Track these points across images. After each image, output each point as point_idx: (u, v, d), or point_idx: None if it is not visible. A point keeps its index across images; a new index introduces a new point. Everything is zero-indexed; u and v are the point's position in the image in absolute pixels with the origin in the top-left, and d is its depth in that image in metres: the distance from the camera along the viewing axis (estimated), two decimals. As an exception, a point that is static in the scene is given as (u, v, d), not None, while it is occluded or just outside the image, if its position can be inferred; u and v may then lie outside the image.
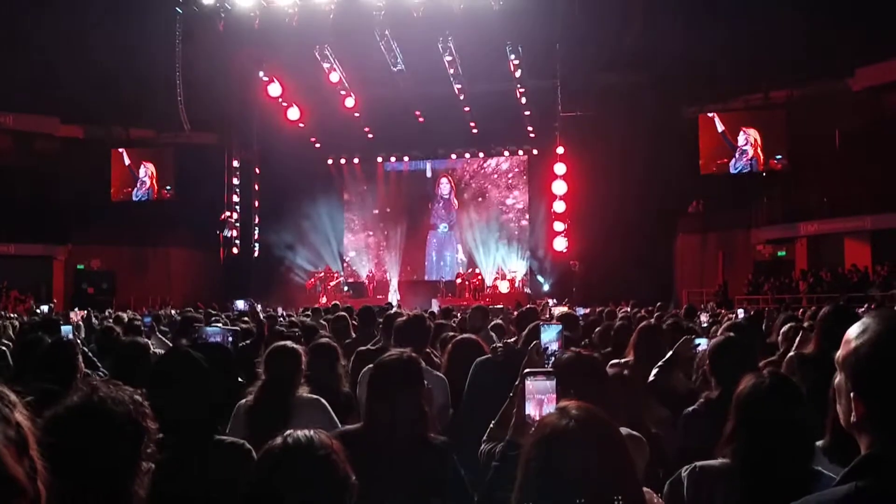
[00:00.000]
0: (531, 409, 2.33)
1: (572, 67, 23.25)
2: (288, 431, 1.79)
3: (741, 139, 25.38)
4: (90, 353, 5.84)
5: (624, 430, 1.97)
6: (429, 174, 30.00)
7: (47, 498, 1.07)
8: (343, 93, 25.13)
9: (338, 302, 13.13)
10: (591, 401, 1.78)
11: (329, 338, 5.27)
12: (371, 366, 3.01)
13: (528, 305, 8.19)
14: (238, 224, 28.40)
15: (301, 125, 26.44)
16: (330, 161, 30.01)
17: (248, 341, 5.92)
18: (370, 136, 27.90)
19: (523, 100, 25.06)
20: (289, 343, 3.91)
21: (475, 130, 27.01)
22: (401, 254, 29.15)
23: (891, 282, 19.80)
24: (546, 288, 26.74)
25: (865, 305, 11.36)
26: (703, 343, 4.35)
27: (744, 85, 25.02)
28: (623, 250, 23.25)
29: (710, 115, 25.74)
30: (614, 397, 2.71)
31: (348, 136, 27.62)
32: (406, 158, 29.76)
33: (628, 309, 11.90)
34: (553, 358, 2.90)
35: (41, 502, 1.06)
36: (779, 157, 25.08)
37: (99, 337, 7.23)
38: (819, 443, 2.35)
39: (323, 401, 3.67)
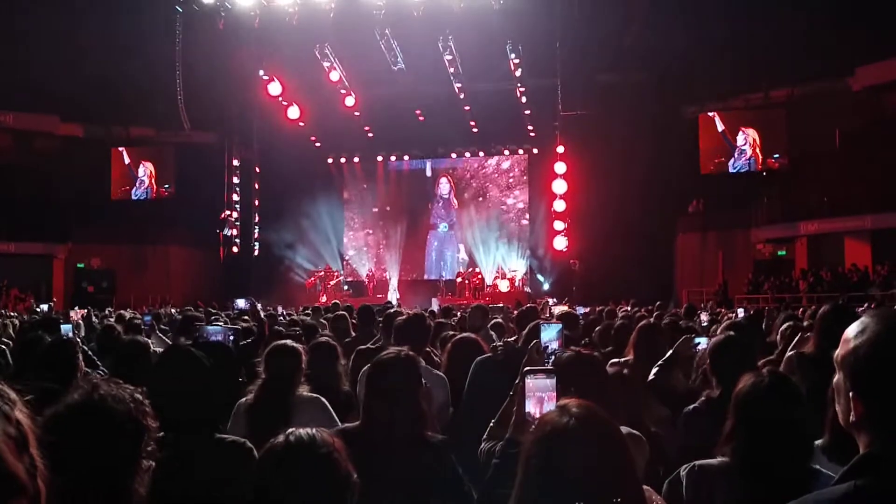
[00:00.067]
0: (531, 407, 2.34)
1: (572, 66, 23.23)
2: (290, 430, 1.79)
3: (740, 139, 25.41)
4: (90, 352, 5.83)
5: (624, 429, 1.97)
6: (428, 174, 29.99)
7: (47, 496, 1.07)
8: (343, 92, 25.13)
9: (338, 301, 13.14)
10: (591, 399, 1.78)
11: (329, 337, 5.27)
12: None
13: (528, 304, 8.20)
14: (238, 223, 28.40)
15: (301, 124, 26.43)
16: (330, 160, 30.00)
17: (248, 340, 5.92)
18: (370, 135, 27.90)
19: (523, 99, 25.06)
20: (289, 342, 3.91)
21: (475, 129, 27.01)
22: (401, 253, 29.15)
23: (891, 281, 19.80)
24: (546, 287, 26.74)
25: (865, 305, 11.36)
26: (702, 342, 4.35)
27: (744, 84, 25.02)
28: (623, 249, 23.25)
29: (710, 114, 25.76)
30: (614, 396, 2.71)
31: (348, 135, 27.62)
32: (406, 157, 29.76)
33: (628, 308, 11.90)
34: (553, 357, 2.90)
35: (41, 500, 1.05)
36: (776, 155, 25.09)
37: (100, 335, 7.23)
38: (818, 442, 2.35)
39: (323, 399, 3.67)
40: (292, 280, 27.87)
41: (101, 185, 28.77)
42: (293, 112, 25.82)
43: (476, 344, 4.62)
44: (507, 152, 29.28)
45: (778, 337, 5.26)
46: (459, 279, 26.73)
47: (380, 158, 29.76)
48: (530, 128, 26.96)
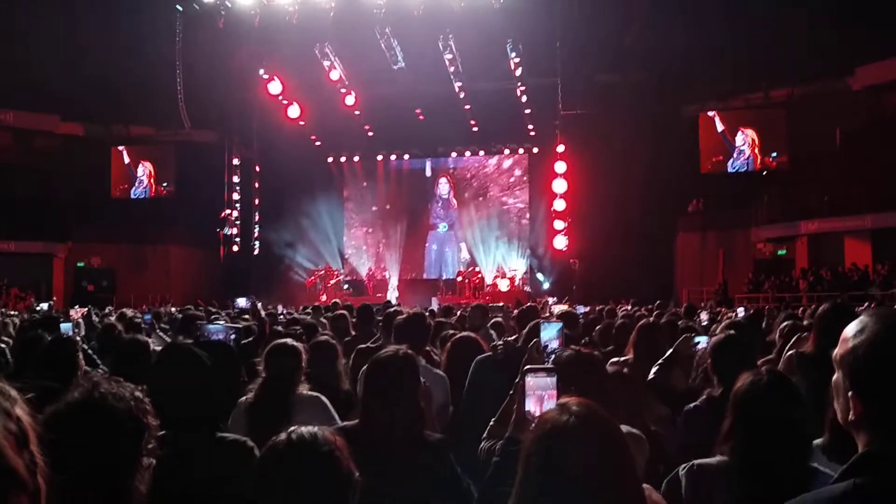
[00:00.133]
0: (532, 406, 2.34)
1: (573, 66, 23.24)
2: (292, 428, 1.79)
3: (739, 139, 25.42)
4: (90, 351, 5.83)
5: (624, 428, 1.97)
6: (428, 173, 29.99)
7: (47, 493, 1.07)
8: (343, 91, 25.13)
9: (338, 300, 13.16)
10: (591, 398, 1.78)
11: (329, 336, 5.27)
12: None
13: (529, 304, 8.20)
14: (238, 222, 28.40)
15: (301, 123, 26.44)
16: (330, 159, 29.99)
17: (249, 339, 5.92)
18: (370, 134, 27.90)
19: (524, 98, 25.06)
20: (289, 341, 3.91)
21: (475, 129, 27.01)
22: (401, 252, 29.16)
23: (891, 281, 19.80)
24: (546, 286, 26.73)
25: (866, 304, 11.35)
26: (702, 341, 4.35)
27: (744, 84, 25.03)
28: (623, 249, 23.26)
29: (710, 114, 25.75)
30: (614, 395, 2.71)
31: (348, 133, 27.62)
32: (406, 156, 29.76)
33: (628, 307, 11.90)
34: (553, 355, 2.90)
35: (41, 497, 1.05)
36: (774, 154, 25.09)
37: (100, 334, 7.22)
38: (818, 441, 2.35)
39: (323, 398, 3.67)
40: (292, 279, 27.87)
41: (102, 183, 28.78)
42: (293, 111, 25.82)
43: (476, 343, 4.62)
44: (507, 151, 29.28)
45: (777, 336, 5.26)
46: (459, 278, 26.74)
47: (380, 157, 29.75)
48: (530, 127, 26.96)
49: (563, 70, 23.72)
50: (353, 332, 6.92)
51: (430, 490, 2.63)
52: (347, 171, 30.44)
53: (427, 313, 5.87)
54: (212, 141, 28.60)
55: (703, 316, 9.70)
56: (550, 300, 15.35)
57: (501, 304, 14.86)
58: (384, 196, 30.03)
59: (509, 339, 4.71)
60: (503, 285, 25.79)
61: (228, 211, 28.08)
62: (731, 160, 25.51)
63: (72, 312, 10.95)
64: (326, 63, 24.10)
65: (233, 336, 5.34)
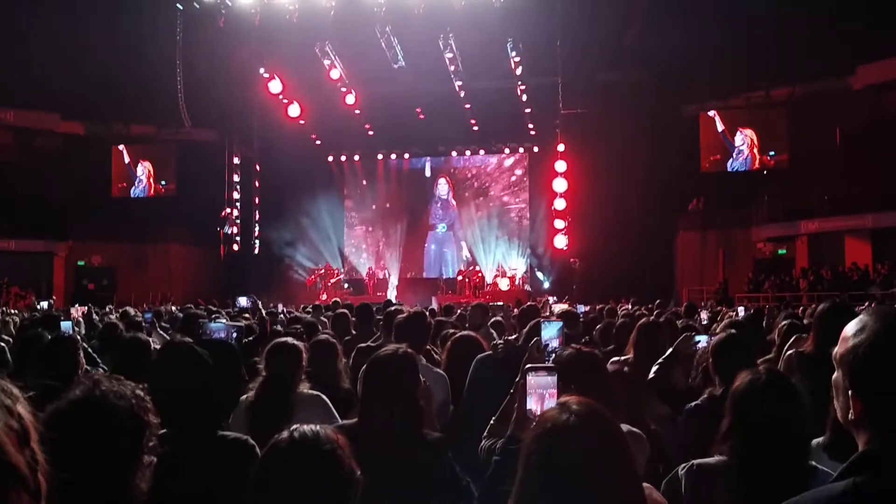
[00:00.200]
0: (532, 404, 2.34)
1: (573, 65, 23.23)
2: (294, 426, 1.79)
3: (738, 139, 25.40)
4: (91, 350, 5.83)
5: (624, 427, 1.97)
6: (428, 174, 29.98)
7: (48, 491, 1.08)
8: (343, 89, 25.13)
9: (338, 299, 13.16)
10: (591, 397, 1.78)
11: (329, 335, 5.28)
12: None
13: (529, 303, 8.21)
14: (238, 221, 28.41)
15: (301, 122, 26.44)
16: (330, 158, 29.99)
17: (250, 338, 5.92)
18: (370, 133, 27.90)
19: (524, 97, 25.05)
20: (289, 339, 3.91)
21: (476, 128, 27.00)
22: (401, 251, 29.17)
23: (891, 280, 19.81)
24: (546, 285, 26.75)
25: (866, 304, 11.36)
26: (702, 340, 4.35)
27: (745, 83, 25.02)
28: (623, 248, 23.26)
29: (710, 113, 25.74)
30: (615, 394, 2.71)
31: (349, 132, 27.62)
32: (406, 155, 29.75)
33: (629, 307, 11.90)
34: (554, 354, 2.90)
35: (41, 494, 1.06)
36: (772, 153, 25.08)
37: (100, 333, 7.22)
38: (819, 440, 2.36)
39: (324, 397, 3.68)
40: (292, 278, 27.89)
41: (102, 182, 28.78)
42: (293, 110, 25.81)
43: (476, 342, 4.62)
44: (507, 151, 29.27)
45: (776, 335, 5.26)
46: (460, 277, 26.74)
47: (380, 156, 29.75)
48: (531, 126, 26.96)
49: (564, 69, 23.71)
50: (354, 331, 6.92)
51: (429, 489, 2.63)
52: (347, 169, 30.44)
53: (427, 312, 5.88)
54: (212, 140, 28.59)
55: (704, 315, 9.70)
56: (551, 299, 15.36)
57: (502, 303, 14.87)
58: (384, 195, 30.03)
59: (510, 338, 4.71)
60: (503, 284, 25.80)
61: (229, 210, 28.08)
62: (730, 160, 25.51)
63: (72, 311, 10.96)
64: (327, 62, 24.10)
65: (234, 335, 5.34)
